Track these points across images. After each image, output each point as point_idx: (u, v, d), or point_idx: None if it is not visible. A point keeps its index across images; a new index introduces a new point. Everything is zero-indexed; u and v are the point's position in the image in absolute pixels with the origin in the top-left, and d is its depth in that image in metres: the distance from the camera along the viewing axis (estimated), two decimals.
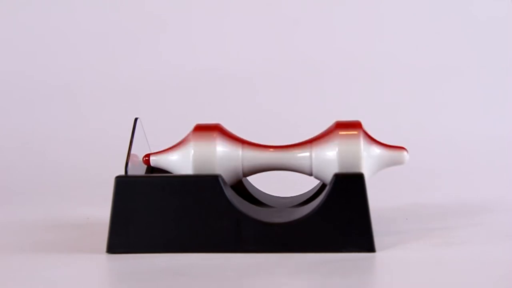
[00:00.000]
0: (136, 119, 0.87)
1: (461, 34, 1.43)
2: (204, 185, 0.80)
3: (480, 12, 1.43)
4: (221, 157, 0.83)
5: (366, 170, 0.81)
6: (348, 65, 1.41)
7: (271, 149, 0.85)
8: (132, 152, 0.84)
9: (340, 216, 0.79)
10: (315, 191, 0.90)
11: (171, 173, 0.85)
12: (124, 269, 0.76)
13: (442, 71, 1.41)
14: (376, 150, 0.83)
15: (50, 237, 0.90)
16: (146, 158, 0.85)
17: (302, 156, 0.84)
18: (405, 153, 0.83)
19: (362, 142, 0.82)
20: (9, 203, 1.13)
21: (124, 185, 0.80)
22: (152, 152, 0.86)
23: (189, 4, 1.46)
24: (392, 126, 1.31)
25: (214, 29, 1.45)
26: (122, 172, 0.82)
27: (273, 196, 0.92)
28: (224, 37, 1.45)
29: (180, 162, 0.84)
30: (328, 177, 0.81)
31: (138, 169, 0.85)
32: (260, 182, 0.93)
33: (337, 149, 0.81)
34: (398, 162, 0.84)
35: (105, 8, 1.46)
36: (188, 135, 0.84)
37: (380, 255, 0.77)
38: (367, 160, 0.82)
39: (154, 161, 0.85)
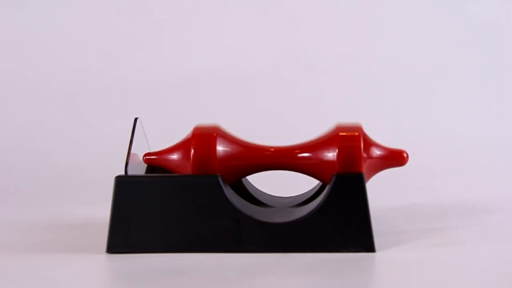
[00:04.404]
0: (136, 119, 0.87)
1: (461, 34, 1.43)
2: (204, 185, 0.80)
3: (480, 12, 1.43)
4: (221, 157, 0.83)
5: (365, 172, 0.81)
6: (348, 65, 1.41)
7: (271, 149, 0.85)
8: (132, 152, 0.84)
9: (340, 216, 0.79)
10: (315, 191, 0.90)
11: (171, 173, 0.85)
12: (124, 269, 0.76)
13: (442, 71, 1.41)
14: (376, 152, 0.83)
15: (50, 237, 0.90)
16: (146, 157, 0.85)
17: (302, 156, 0.84)
18: (404, 155, 0.84)
19: (362, 144, 0.82)
20: (9, 203, 1.13)
21: (124, 185, 0.80)
22: (152, 151, 0.86)
23: (189, 4, 1.46)
24: (392, 127, 1.31)
25: (214, 29, 1.45)
26: (122, 172, 0.82)
27: (273, 196, 0.92)
28: (224, 38, 1.45)
29: (180, 162, 0.83)
30: (328, 177, 0.81)
31: (138, 169, 0.85)
32: (260, 182, 0.93)
33: (337, 150, 0.81)
34: (397, 164, 0.84)
35: (105, 8, 1.46)
36: (188, 135, 0.84)
37: (380, 255, 0.77)
38: (367, 162, 0.82)
39: (154, 160, 0.85)
